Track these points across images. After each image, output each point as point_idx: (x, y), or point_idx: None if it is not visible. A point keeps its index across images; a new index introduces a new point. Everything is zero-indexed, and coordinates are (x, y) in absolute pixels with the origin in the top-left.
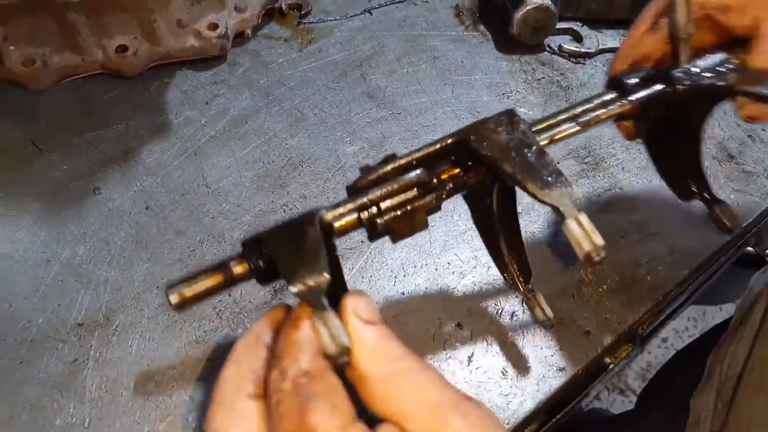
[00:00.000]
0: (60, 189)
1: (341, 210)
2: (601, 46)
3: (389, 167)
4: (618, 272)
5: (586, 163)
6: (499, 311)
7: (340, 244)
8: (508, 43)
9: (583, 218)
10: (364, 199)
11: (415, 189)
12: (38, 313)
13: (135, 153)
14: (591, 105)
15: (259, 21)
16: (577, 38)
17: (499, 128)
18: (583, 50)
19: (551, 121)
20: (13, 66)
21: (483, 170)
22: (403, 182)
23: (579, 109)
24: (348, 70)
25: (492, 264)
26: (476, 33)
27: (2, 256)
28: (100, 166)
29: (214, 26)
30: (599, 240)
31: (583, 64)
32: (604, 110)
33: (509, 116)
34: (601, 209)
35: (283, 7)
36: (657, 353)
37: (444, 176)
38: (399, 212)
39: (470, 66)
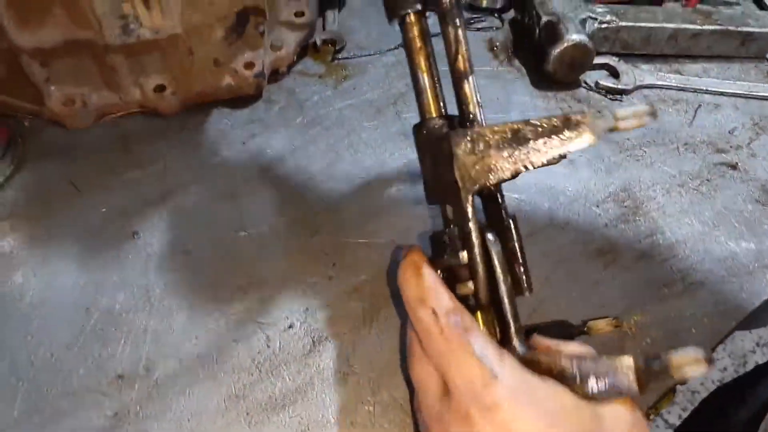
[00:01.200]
0: (99, 232)
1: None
2: (638, 83)
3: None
4: (661, 326)
5: (626, 206)
6: None
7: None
8: (543, 79)
9: (620, 112)
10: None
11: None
12: (79, 363)
13: (172, 195)
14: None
15: (295, 59)
16: (614, 74)
17: (478, 150)
18: (620, 87)
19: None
20: (54, 106)
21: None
22: (499, 262)
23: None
24: (382, 108)
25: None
26: (511, 68)
27: (42, 302)
28: (139, 209)
29: (250, 65)
30: (642, 108)
31: (620, 100)
32: None
33: (457, 136)
34: (643, 256)
35: (318, 42)
36: None
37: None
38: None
39: (505, 102)
